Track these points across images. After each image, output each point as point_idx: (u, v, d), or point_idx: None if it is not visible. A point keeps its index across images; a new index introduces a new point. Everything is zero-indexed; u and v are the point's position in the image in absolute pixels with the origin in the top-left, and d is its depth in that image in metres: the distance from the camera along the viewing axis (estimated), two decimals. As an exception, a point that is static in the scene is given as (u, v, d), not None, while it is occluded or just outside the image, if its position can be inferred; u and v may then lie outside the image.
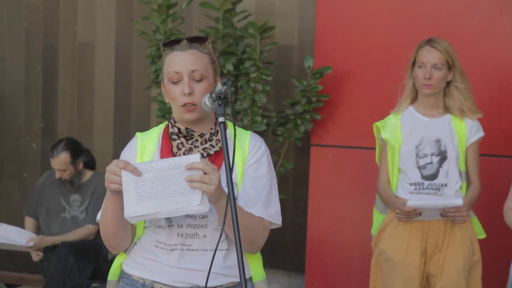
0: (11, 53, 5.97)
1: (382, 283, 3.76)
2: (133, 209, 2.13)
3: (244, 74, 4.57)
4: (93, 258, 4.71)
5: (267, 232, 2.40)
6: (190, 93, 2.30)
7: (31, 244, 4.71)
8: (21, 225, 5.06)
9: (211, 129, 2.39)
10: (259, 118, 4.61)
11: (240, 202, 2.33)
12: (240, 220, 2.16)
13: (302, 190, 5.08)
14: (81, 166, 4.80)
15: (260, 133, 4.77)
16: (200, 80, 2.33)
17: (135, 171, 2.13)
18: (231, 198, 2.11)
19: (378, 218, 3.86)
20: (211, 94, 2.24)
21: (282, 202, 5.36)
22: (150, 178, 2.12)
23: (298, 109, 4.65)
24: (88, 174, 4.84)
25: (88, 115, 5.78)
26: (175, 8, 4.72)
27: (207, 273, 2.27)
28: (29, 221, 5.03)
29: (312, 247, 4.81)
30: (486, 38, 4.38)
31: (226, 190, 2.22)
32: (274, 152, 4.89)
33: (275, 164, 4.80)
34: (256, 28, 4.52)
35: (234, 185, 2.33)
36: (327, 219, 4.78)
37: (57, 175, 4.77)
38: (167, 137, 2.39)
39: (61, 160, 4.73)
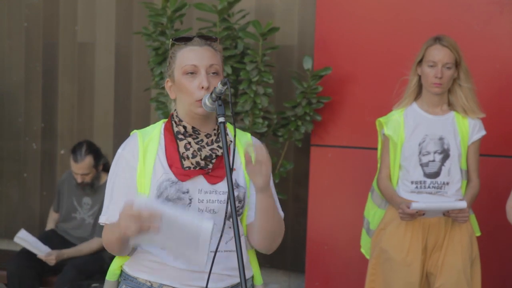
0: (11, 53, 5.96)
1: (382, 282, 3.75)
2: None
3: (246, 77, 4.55)
4: (97, 271, 4.72)
5: (282, 235, 2.46)
6: (208, 87, 2.30)
7: (51, 256, 4.68)
8: (28, 224, 5.07)
9: (214, 129, 2.38)
10: (260, 120, 4.61)
11: (253, 207, 2.37)
12: (275, 215, 2.33)
13: (302, 190, 5.08)
14: (101, 168, 4.82)
15: (261, 134, 4.77)
16: (216, 75, 2.34)
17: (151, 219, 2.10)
18: (231, 198, 2.11)
19: (376, 212, 3.85)
20: (211, 94, 2.25)
21: (282, 202, 5.37)
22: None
23: (299, 111, 4.64)
24: (104, 177, 4.82)
25: (88, 115, 5.77)
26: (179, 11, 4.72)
27: (216, 274, 2.30)
28: (54, 216, 5.05)
29: (312, 247, 4.81)
30: (486, 38, 4.38)
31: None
32: (275, 153, 4.89)
33: (275, 165, 4.81)
34: (259, 29, 4.50)
35: (242, 188, 2.35)
36: (327, 219, 4.78)
37: (79, 180, 4.76)
38: (171, 137, 2.37)
39: (85, 165, 4.75)
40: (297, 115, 4.65)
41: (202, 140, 2.34)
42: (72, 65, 5.80)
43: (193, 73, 2.31)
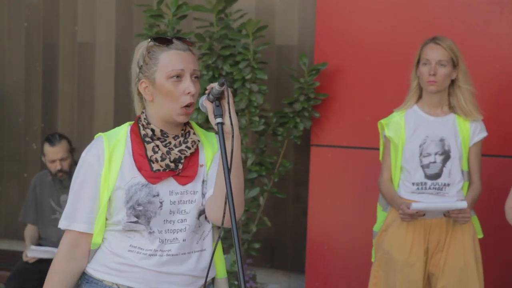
0: (11, 53, 5.96)
1: (384, 284, 3.74)
2: None
3: (239, 77, 4.55)
4: None
5: (243, 207, 2.38)
6: (193, 93, 2.28)
7: None
8: (21, 229, 5.03)
9: (182, 130, 2.36)
10: (256, 118, 4.61)
11: (209, 180, 2.35)
12: (238, 170, 2.24)
13: (302, 190, 5.08)
14: (74, 156, 4.82)
15: (259, 133, 4.76)
16: (197, 79, 2.31)
17: None
18: (230, 198, 2.10)
19: (380, 215, 3.85)
20: (208, 95, 2.23)
21: (282, 202, 5.38)
22: None
23: (297, 106, 4.64)
24: None
25: (88, 115, 5.77)
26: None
27: (186, 276, 2.31)
28: (31, 229, 4.91)
29: (312, 247, 4.81)
30: (486, 38, 4.37)
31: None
32: (274, 152, 4.89)
33: (274, 164, 4.80)
34: (250, 28, 4.51)
35: (203, 167, 2.34)
36: (327, 219, 4.78)
37: (58, 167, 4.74)
38: (137, 139, 2.33)
39: (63, 147, 4.74)
40: (295, 111, 4.65)
41: (170, 143, 2.31)
42: (72, 65, 5.80)
43: (179, 77, 2.27)
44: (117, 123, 5.65)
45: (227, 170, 2.11)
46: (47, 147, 4.77)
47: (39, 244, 4.84)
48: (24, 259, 4.71)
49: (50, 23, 5.85)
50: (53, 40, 5.84)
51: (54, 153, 4.74)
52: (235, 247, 2.08)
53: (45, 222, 4.82)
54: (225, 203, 2.11)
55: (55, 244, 4.77)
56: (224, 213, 2.13)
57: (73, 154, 4.82)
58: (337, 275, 4.79)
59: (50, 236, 4.79)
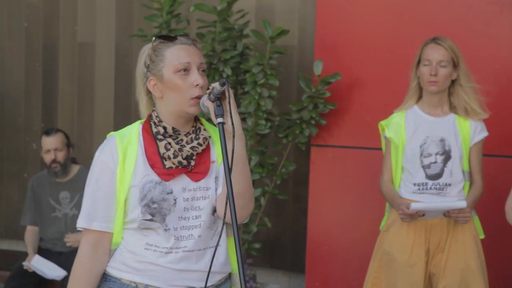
0: (11, 53, 5.96)
1: (385, 285, 3.73)
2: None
3: (251, 80, 4.53)
4: None
5: (254, 201, 2.41)
6: (202, 85, 2.29)
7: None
8: (21, 229, 5.03)
9: (193, 126, 2.37)
10: (263, 122, 4.59)
11: (221, 176, 2.36)
12: (244, 169, 2.27)
13: (302, 190, 5.08)
14: (71, 151, 4.82)
15: (262, 136, 4.75)
16: (204, 73, 2.33)
17: None
18: (230, 198, 2.11)
19: (385, 215, 3.85)
20: (209, 94, 2.24)
21: (282, 202, 5.38)
22: None
23: (305, 114, 4.62)
24: (75, 169, 4.82)
25: (88, 115, 5.78)
26: (178, 10, 4.71)
27: (203, 273, 2.31)
28: (31, 231, 4.90)
29: (312, 247, 4.81)
30: (486, 38, 4.38)
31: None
32: (276, 154, 4.89)
33: (277, 166, 4.80)
34: (269, 32, 4.48)
35: (214, 163, 2.36)
36: (327, 219, 4.78)
37: (52, 156, 4.74)
38: (149, 137, 2.35)
39: (58, 138, 4.76)
40: (302, 118, 4.63)
41: (182, 140, 2.33)
42: (72, 65, 5.80)
43: (186, 70, 2.29)
44: (117, 123, 5.65)
45: (228, 169, 2.11)
46: (43, 138, 4.82)
47: (39, 246, 4.84)
48: (25, 267, 4.69)
49: (50, 23, 5.85)
50: (53, 40, 5.84)
51: (49, 143, 4.76)
52: (235, 247, 2.09)
53: (44, 221, 4.82)
54: (226, 203, 2.13)
55: (55, 244, 4.78)
56: (225, 212, 2.15)
57: (70, 149, 4.83)
58: (337, 275, 4.79)
59: (50, 236, 4.79)
